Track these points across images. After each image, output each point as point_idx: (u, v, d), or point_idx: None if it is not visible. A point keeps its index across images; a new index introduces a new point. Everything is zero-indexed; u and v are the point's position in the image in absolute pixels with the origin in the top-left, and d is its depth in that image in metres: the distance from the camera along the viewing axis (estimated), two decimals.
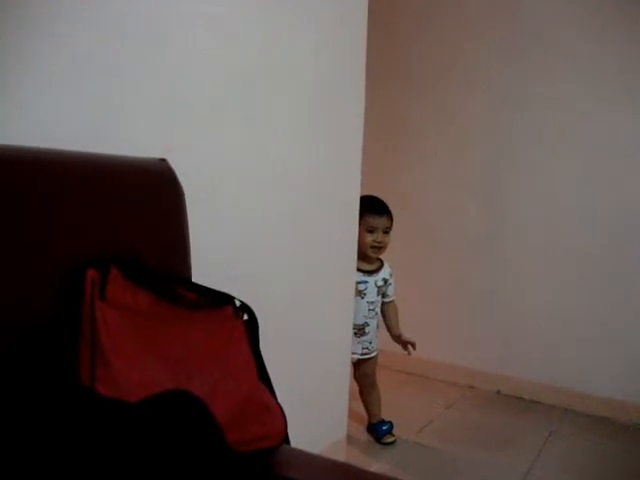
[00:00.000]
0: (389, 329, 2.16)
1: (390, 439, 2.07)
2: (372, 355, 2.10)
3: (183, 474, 0.65)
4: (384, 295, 2.11)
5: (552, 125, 2.48)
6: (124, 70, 1.09)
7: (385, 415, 2.13)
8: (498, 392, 2.63)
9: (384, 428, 2.09)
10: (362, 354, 2.07)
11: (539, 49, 2.48)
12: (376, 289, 2.07)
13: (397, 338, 2.14)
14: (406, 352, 2.15)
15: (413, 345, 2.12)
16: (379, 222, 2.02)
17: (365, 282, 2.04)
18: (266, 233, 1.50)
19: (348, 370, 1.94)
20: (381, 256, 2.11)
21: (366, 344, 2.07)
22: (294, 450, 0.93)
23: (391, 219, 2.06)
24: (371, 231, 2.02)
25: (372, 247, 2.03)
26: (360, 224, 1.93)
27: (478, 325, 2.70)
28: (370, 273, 2.06)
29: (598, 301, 2.41)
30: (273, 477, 0.83)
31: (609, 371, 2.38)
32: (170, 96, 1.19)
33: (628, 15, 2.29)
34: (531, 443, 2.11)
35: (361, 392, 2.13)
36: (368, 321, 2.05)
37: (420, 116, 2.79)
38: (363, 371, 2.10)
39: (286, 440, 0.92)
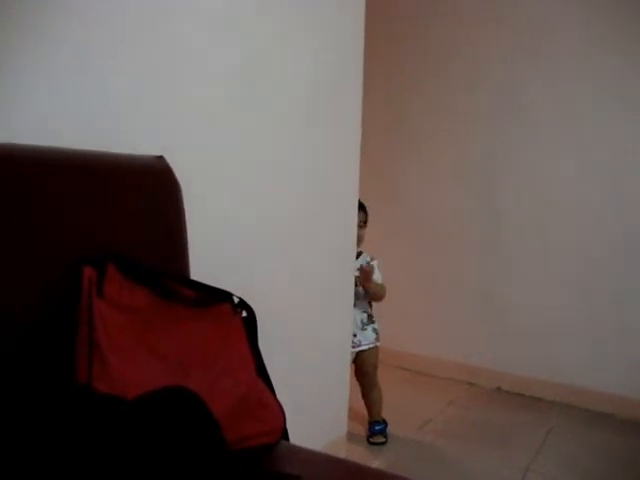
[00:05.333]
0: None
1: (379, 440, 2.06)
2: (361, 348, 2.06)
3: (180, 471, 0.65)
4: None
5: (551, 125, 2.47)
6: (122, 68, 1.08)
7: (385, 412, 2.13)
8: (498, 389, 2.63)
9: (376, 428, 2.08)
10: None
11: (539, 49, 2.47)
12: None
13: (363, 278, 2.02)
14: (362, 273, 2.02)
15: (364, 270, 2.01)
16: None
17: None
18: (265, 231, 1.49)
19: (348, 367, 1.93)
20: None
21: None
22: (293, 446, 0.93)
23: (365, 213, 2.08)
24: None
25: None
26: None
27: (478, 322, 2.69)
28: None
29: (598, 298, 2.41)
30: (272, 473, 0.83)
31: (609, 367, 2.38)
32: (169, 94, 1.19)
33: (628, 15, 2.28)
34: (531, 439, 2.11)
35: (362, 391, 2.13)
36: None
37: (419, 116, 2.79)
38: (359, 368, 2.08)
39: (285, 436, 0.92)
